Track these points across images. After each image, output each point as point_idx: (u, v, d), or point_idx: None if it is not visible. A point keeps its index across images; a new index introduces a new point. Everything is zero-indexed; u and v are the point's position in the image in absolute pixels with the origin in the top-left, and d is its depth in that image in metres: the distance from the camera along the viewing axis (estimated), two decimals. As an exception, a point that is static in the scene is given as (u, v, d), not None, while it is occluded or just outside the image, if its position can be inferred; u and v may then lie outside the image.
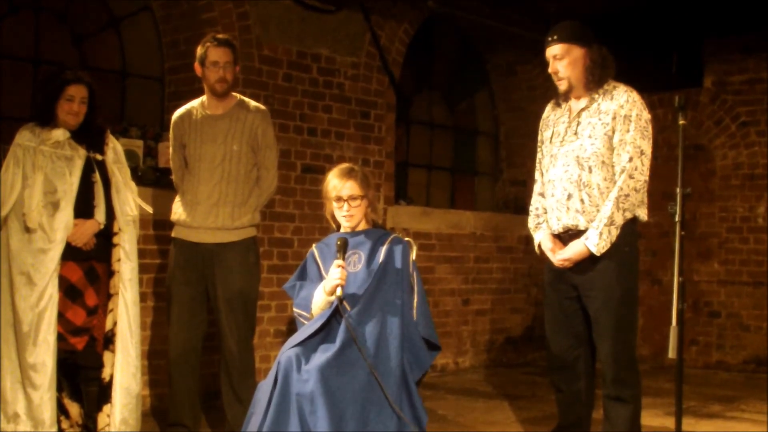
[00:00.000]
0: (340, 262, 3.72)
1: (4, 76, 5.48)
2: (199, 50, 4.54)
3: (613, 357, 4.00)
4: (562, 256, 4.03)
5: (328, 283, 3.75)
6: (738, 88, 8.06)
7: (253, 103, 4.69)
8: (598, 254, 3.92)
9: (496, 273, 7.97)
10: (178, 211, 4.60)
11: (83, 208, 4.24)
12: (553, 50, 4.05)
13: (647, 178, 3.99)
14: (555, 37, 4.04)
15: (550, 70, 4.10)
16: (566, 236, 4.08)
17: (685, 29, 7.67)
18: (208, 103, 4.60)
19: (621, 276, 3.99)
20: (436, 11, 7.16)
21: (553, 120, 4.23)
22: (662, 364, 7.84)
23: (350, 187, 3.87)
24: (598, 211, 3.96)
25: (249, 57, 6.01)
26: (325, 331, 3.70)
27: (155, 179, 5.64)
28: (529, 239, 6.52)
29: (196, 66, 4.57)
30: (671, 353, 3.42)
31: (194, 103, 4.66)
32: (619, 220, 3.93)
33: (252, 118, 4.59)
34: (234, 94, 4.66)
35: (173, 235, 4.65)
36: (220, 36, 4.60)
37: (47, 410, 4.13)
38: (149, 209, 4.62)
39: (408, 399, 3.68)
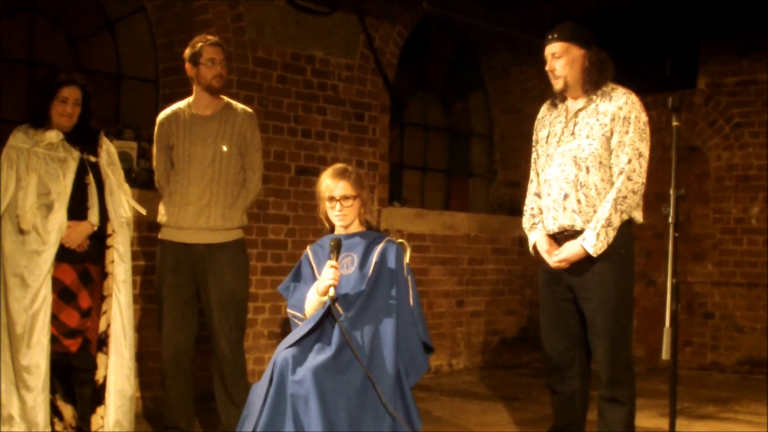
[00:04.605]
0: (333, 262, 3.72)
1: (-1, 78, 5.48)
2: (189, 50, 4.53)
3: (608, 358, 4.00)
4: (558, 257, 4.03)
5: (321, 283, 3.74)
6: (732, 89, 8.06)
7: (240, 105, 4.68)
8: (594, 255, 3.92)
9: (491, 274, 7.97)
10: (165, 213, 4.59)
11: (77, 209, 4.23)
12: (552, 48, 4.05)
13: (645, 180, 3.99)
14: (555, 35, 4.04)
15: (547, 67, 4.10)
16: (562, 237, 4.08)
17: (680, 30, 7.68)
18: (196, 104, 4.59)
19: (617, 277, 3.99)
20: (430, 13, 7.15)
21: (549, 120, 4.23)
22: (656, 366, 7.84)
23: (342, 187, 3.87)
24: (594, 211, 3.96)
25: (243, 59, 6.01)
26: (318, 332, 3.70)
27: (149, 181, 5.63)
28: (523, 241, 6.51)
29: (187, 66, 4.55)
30: (665, 354, 3.42)
31: (180, 105, 4.64)
32: (617, 222, 3.93)
33: (240, 121, 4.59)
34: (221, 96, 4.65)
35: (160, 237, 4.62)
36: (210, 37, 4.61)
37: (41, 412, 4.12)
38: (143, 211, 4.60)
39: (402, 401, 3.68)
